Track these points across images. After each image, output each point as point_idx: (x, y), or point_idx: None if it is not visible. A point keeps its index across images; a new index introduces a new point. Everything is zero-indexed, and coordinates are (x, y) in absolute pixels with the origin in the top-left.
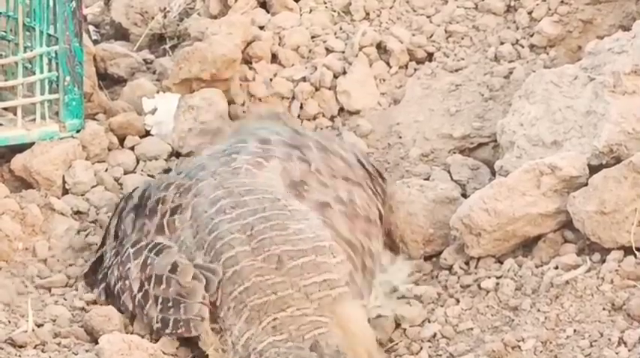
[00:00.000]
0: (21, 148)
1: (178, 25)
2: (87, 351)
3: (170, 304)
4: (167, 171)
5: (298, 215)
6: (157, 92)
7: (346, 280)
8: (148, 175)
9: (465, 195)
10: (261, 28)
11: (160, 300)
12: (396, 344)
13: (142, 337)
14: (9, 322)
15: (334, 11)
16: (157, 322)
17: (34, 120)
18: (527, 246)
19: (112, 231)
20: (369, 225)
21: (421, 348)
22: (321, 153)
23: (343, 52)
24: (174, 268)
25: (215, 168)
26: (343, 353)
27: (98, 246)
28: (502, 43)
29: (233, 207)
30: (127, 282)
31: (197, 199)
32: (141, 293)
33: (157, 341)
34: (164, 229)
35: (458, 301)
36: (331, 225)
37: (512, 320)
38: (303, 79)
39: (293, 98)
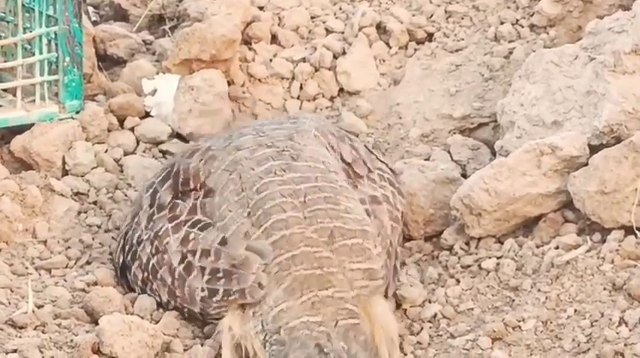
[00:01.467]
0: (20, 129)
1: (178, 5)
2: (87, 332)
3: (220, 275)
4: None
5: (346, 192)
6: (157, 73)
7: (384, 273)
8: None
9: (465, 176)
10: (261, 8)
11: (207, 271)
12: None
13: (142, 318)
14: (9, 303)
15: None
16: (203, 291)
17: (34, 101)
18: (528, 226)
19: (144, 205)
20: (401, 232)
21: (422, 328)
22: (364, 146)
23: (343, 33)
24: (223, 241)
25: (260, 127)
26: (371, 347)
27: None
28: (502, 23)
29: (284, 170)
30: (164, 256)
31: (240, 153)
32: (182, 265)
33: (157, 322)
34: (199, 177)
35: (458, 281)
36: (379, 219)
37: (513, 301)
38: (303, 60)
39: (293, 79)
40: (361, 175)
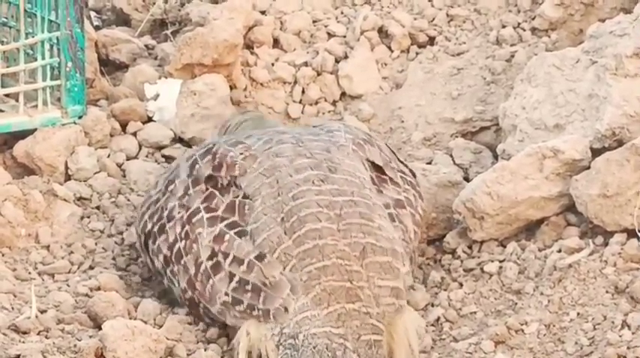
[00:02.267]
0: (23, 134)
1: (180, 10)
2: (90, 337)
3: (249, 287)
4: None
5: (379, 210)
6: (159, 78)
7: (407, 294)
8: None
9: (467, 179)
10: (263, 12)
11: (235, 278)
12: None
13: (146, 322)
14: (12, 308)
15: None
16: (227, 295)
17: (36, 106)
18: (530, 229)
19: (182, 175)
20: (419, 235)
21: (425, 332)
22: (388, 149)
23: (345, 37)
24: (260, 256)
25: (299, 136)
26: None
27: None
28: (504, 27)
29: (322, 180)
30: (194, 246)
31: (279, 160)
32: (211, 263)
33: (160, 326)
34: (234, 169)
35: (461, 285)
36: (404, 223)
37: (516, 304)
38: (305, 64)
39: (295, 83)
40: (385, 179)
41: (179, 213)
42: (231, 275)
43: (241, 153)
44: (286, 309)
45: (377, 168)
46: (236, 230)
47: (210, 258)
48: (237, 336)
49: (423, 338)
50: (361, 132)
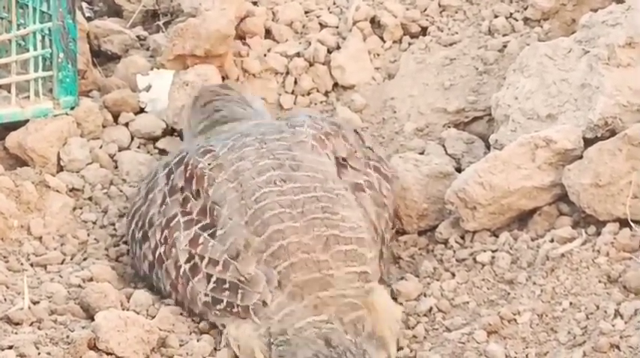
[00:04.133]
0: (15, 126)
1: (171, 1)
2: (83, 328)
3: (226, 286)
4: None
5: (344, 201)
6: (151, 69)
7: (377, 275)
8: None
9: (459, 169)
10: (255, 3)
11: (212, 278)
12: None
13: (138, 313)
14: (5, 300)
15: None
16: (207, 296)
17: (28, 97)
18: (523, 219)
19: (161, 184)
20: (389, 217)
21: (417, 322)
22: (355, 135)
23: (337, 27)
24: (235, 255)
25: (262, 136)
26: (377, 335)
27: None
28: (496, 17)
29: (284, 180)
30: (172, 250)
31: (242, 163)
32: (189, 265)
33: (153, 317)
34: (204, 181)
35: (453, 275)
36: (363, 206)
37: (508, 294)
38: (297, 55)
39: (287, 73)
40: (345, 165)
41: (158, 219)
42: (209, 276)
43: (209, 164)
44: (264, 303)
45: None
46: (210, 231)
47: (187, 260)
48: (223, 336)
49: (414, 324)
50: (327, 123)
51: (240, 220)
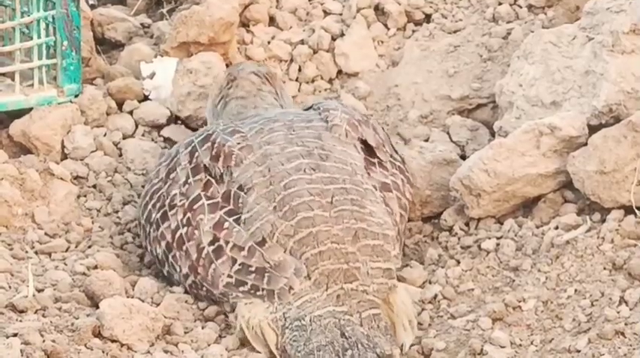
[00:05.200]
0: (19, 114)
1: None
2: (88, 316)
3: (252, 269)
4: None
5: (371, 195)
6: (155, 56)
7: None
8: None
9: (464, 156)
10: None
11: (237, 262)
12: None
13: (143, 301)
14: (9, 287)
15: None
16: (230, 277)
17: (32, 85)
18: (528, 206)
19: (183, 162)
20: (406, 220)
21: (422, 310)
22: (384, 132)
23: (341, 14)
24: (262, 243)
25: (291, 123)
26: (390, 332)
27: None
28: (500, 4)
29: (313, 169)
30: (195, 232)
31: (270, 147)
32: (212, 247)
33: (158, 305)
34: (231, 160)
35: (458, 262)
36: (389, 206)
37: (513, 281)
38: (301, 42)
39: (291, 61)
40: (374, 163)
41: (181, 200)
42: (234, 260)
43: (238, 143)
44: (291, 288)
45: (369, 150)
46: (234, 217)
47: (211, 243)
48: (237, 314)
49: (419, 311)
50: (358, 113)
51: (267, 205)
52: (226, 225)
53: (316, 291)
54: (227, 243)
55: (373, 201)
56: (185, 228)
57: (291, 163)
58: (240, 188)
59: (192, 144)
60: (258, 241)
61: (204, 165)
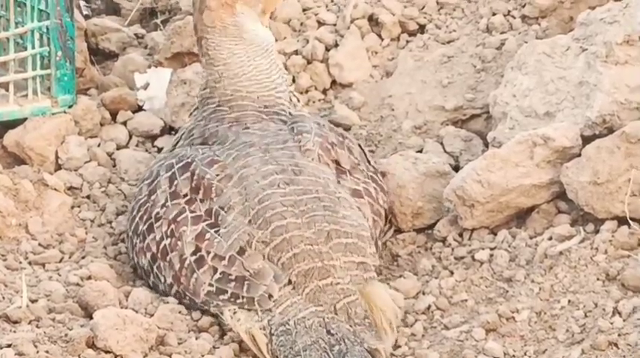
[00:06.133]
0: (13, 124)
1: None
2: (82, 326)
3: (232, 278)
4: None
5: (345, 203)
6: (149, 67)
7: (377, 269)
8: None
9: (458, 167)
10: None
11: (218, 271)
12: None
13: (137, 312)
14: (3, 298)
15: None
16: (211, 286)
17: (26, 95)
18: (521, 217)
19: (162, 181)
20: (382, 227)
21: (416, 320)
22: (359, 149)
23: (335, 25)
24: (241, 252)
25: (266, 146)
26: (369, 321)
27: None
28: (494, 14)
29: (287, 183)
30: (178, 243)
31: (246, 170)
32: (194, 257)
33: (151, 315)
34: (211, 192)
35: (452, 273)
36: (362, 211)
37: (507, 292)
38: (295, 52)
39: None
40: (344, 171)
41: (165, 213)
42: (214, 269)
43: (217, 175)
44: (270, 296)
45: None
46: (215, 229)
47: (193, 253)
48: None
49: (413, 322)
50: (333, 133)
51: (243, 219)
52: (208, 236)
53: (295, 295)
54: (208, 253)
55: (347, 207)
56: (169, 239)
57: (266, 180)
58: (221, 207)
59: (172, 171)
60: (238, 250)
61: (185, 194)
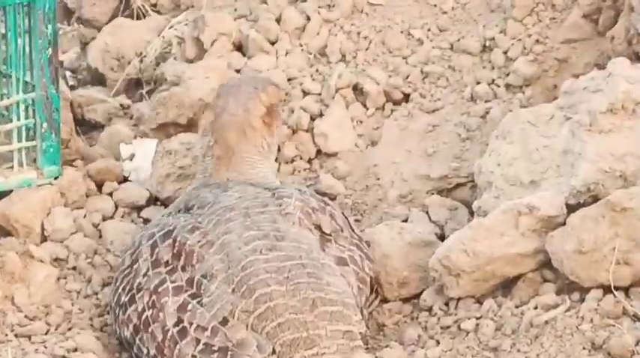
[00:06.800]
0: None
1: (155, 69)
2: None
3: (215, 348)
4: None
5: (329, 269)
6: (135, 137)
7: (363, 336)
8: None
9: (443, 236)
10: (238, 71)
11: (201, 342)
12: None
13: None
14: None
15: (310, 53)
16: (194, 357)
17: (12, 167)
18: (507, 286)
19: (143, 250)
20: (367, 295)
21: None
22: (342, 216)
23: (320, 94)
24: (224, 322)
25: (247, 210)
26: None
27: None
28: (478, 83)
29: (269, 249)
30: (160, 314)
31: (228, 236)
32: (177, 329)
33: None
34: (193, 258)
35: (438, 342)
36: (347, 279)
37: None
38: None
39: None
40: (330, 239)
41: (146, 284)
42: (197, 340)
43: (199, 241)
44: None
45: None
46: (198, 300)
47: (175, 324)
48: None
49: None
50: (315, 200)
51: (226, 288)
52: (190, 306)
53: None
54: (191, 324)
55: (331, 273)
56: (150, 311)
57: (248, 246)
58: (204, 276)
59: (154, 239)
60: (220, 321)
61: (166, 261)
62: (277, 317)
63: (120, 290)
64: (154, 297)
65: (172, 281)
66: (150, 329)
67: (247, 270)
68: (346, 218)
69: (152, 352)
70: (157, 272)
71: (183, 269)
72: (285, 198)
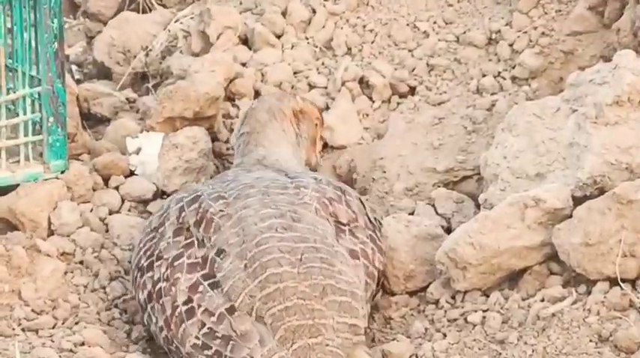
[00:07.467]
0: (6, 190)
1: (161, 63)
2: None
3: (218, 334)
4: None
5: (341, 257)
6: (141, 131)
7: (365, 331)
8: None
9: (449, 229)
10: (244, 64)
11: (206, 326)
12: None
13: None
14: None
15: (316, 47)
16: (197, 339)
17: (19, 161)
18: (513, 278)
19: (171, 212)
20: (373, 291)
21: None
22: (358, 203)
23: (326, 88)
24: (231, 310)
25: (266, 189)
26: None
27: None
28: (484, 76)
29: (285, 228)
30: (173, 288)
31: (245, 211)
32: (186, 307)
33: None
34: (211, 227)
35: (445, 335)
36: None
37: (500, 354)
38: None
39: None
40: (344, 230)
41: (166, 254)
42: (202, 323)
43: (220, 210)
44: None
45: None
46: (209, 281)
47: (185, 303)
48: None
49: None
50: (332, 188)
51: (239, 264)
52: (201, 288)
53: (282, 349)
54: (199, 306)
55: (343, 262)
56: (164, 283)
57: (264, 223)
58: (218, 252)
59: (182, 203)
60: (228, 308)
61: (188, 227)
62: (285, 300)
63: (141, 253)
64: (169, 270)
65: (188, 257)
66: (161, 301)
67: (261, 247)
68: (363, 205)
69: (160, 323)
70: (176, 241)
71: (201, 243)
72: (303, 188)
